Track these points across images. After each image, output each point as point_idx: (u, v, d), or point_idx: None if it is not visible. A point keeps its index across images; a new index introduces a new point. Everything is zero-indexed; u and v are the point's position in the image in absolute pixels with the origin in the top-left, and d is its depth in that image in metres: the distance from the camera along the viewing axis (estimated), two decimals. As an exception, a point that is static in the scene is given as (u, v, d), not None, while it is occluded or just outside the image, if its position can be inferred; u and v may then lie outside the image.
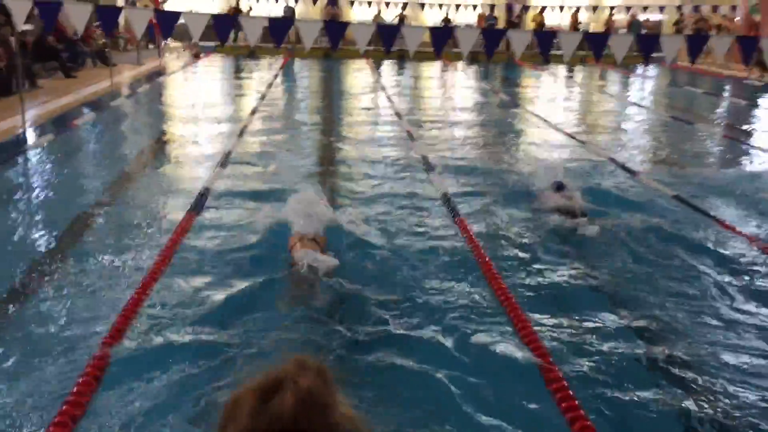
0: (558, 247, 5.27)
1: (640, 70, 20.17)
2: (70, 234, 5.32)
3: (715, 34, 19.58)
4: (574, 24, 24.08)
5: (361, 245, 5.00)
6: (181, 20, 7.93)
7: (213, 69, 18.46)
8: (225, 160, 7.47)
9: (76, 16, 7.41)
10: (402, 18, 23.92)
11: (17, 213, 5.84)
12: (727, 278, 4.74)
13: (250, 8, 23.07)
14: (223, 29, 7.27)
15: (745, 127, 11.07)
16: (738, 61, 15.13)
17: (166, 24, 7.66)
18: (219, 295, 4.18)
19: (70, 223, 5.56)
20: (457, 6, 24.65)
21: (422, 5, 24.45)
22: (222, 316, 3.94)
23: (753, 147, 9.34)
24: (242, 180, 6.85)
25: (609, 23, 23.95)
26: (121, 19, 10.59)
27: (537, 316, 4.06)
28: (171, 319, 3.88)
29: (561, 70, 19.54)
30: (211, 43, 18.81)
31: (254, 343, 3.64)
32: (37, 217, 5.77)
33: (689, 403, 3.27)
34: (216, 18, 7.34)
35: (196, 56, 19.94)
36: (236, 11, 22.57)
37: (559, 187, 6.09)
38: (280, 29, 7.48)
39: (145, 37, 18.74)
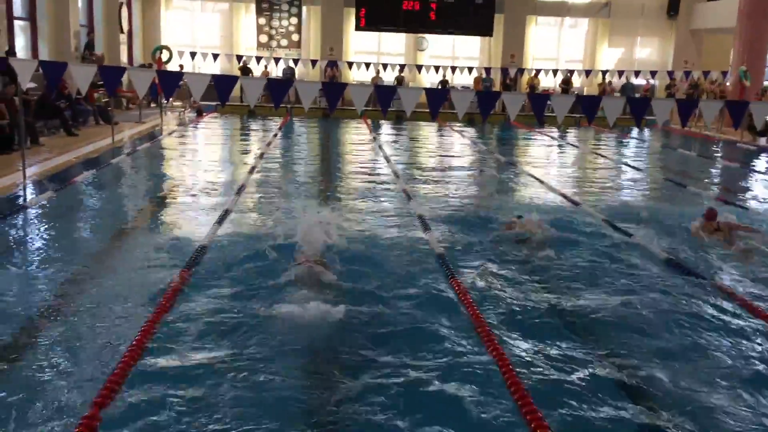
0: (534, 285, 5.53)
1: (634, 132, 20.51)
2: (65, 291, 5.33)
3: (705, 99, 19.98)
4: (566, 88, 24.59)
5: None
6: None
7: (213, 128, 18.74)
8: (222, 219, 7.53)
9: (80, 77, 7.59)
10: (400, 80, 24.42)
11: (16, 268, 5.87)
12: (734, 355, 4.74)
13: (252, 73, 23.51)
14: (223, 90, 7.43)
15: (736, 189, 11.22)
16: (729, 125, 15.40)
17: (168, 84, 7.84)
18: (213, 355, 4.18)
19: (66, 279, 5.58)
20: (453, 69, 25.20)
21: (419, 68, 25.00)
22: (216, 377, 3.93)
23: (745, 209, 9.43)
24: (239, 238, 6.89)
25: (603, 87, 24.45)
26: (124, 79, 10.82)
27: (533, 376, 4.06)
28: (164, 378, 3.87)
29: (555, 131, 19.90)
30: (212, 103, 19.15)
31: (249, 404, 3.62)
32: (35, 273, 5.78)
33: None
34: (217, 79, 7.50)
35: (199, 113, 20.27)
36: (244, 71, 23.07)
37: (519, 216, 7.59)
38: (279, 90, 7.65)
39: (147, 96, 19.10)
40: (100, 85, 15.18)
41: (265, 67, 23.80)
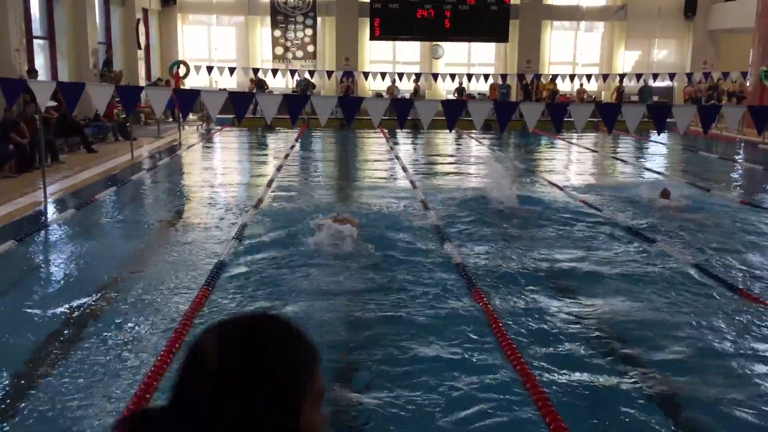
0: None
1: (654, 135, 20.30)
2: (87, 309, 5.35)
3: (726, 103, 19.75)
4: (581, 96, 24.37)
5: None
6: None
7: (231, 141, 18.83)
8: (240, 234, 7.53)
9: (98, 97, 7.65)
10: (416, 89, 24.37)
11: (37, 286, 5.91)
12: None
13: (267, 86, 23.58)
14: (240, 107, 7.45)
15: (761, 192, 11.04)
16: (751, 127, 15.18)
17: (185, 102, 7.89)
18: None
19: (88, 297, 5.60)
20: (470, 76, 25.14)
21: (435, 76, 24.96)
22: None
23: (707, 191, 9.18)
24: (257, 252, 6.88)
25: (617, 91, 24.27)
26: (143, 95, 10.91)
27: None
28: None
29: (575, 137, 19.75)
30: (229, 116, 19.24)
31: None
32: (56, 291, 5.82)
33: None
34: (233, 96, 7.52)
35: (208, 131, 20.34)
36: (259, 84, 23.18)
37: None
38: (295, 105, 7.66)
39: (165, 111, 19.24)
40: (119, 101, 15.32)
41: (292, 78, 23.81)
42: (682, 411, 4.02)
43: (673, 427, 3.81)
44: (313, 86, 24.21)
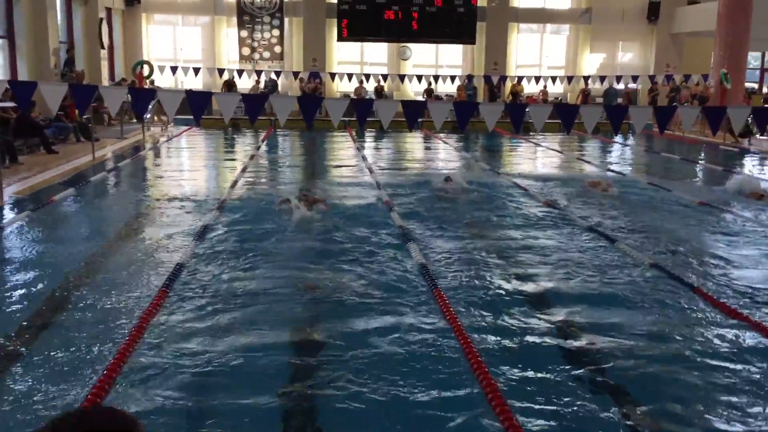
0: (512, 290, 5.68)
1: (618, 137, 20.60)
2: (42, 310, 5.26)
3: (687, 104, 20.14)
4: (545, 97, 24.69)
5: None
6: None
7: (196, 142, 18.65)
8: (202, 235, 7.46)
9: (51, 97, 7.51)
10: (380, 90, 24.41)
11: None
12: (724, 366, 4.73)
13: (236, 87, 23.37)
14: (198, 107, 7.37)
15: (719, 191, 11.24)
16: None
17: (141, 102, 7.79)
18: (188, 382, 4.11)
19: (45, 299, 5.51)
20: (437, 77, 25.25)
21: (402, 77, 25.02)
22: (191, 404, 3.86)
23: (727, 212, 9.46)
24: (218, 254, 6.82)
25: (583, 94, 24.62)
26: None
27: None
28: (138, 402, 3.80)
29: (538, 137, 19.98)
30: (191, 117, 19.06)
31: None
32: (12, 293, 5.70)
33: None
34: (190, 95, 7.44)
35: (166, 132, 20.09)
36: (229, 85, 22.99)
37: (447, 179, 10.64)
38: (254, 105, 7.61)
39: (129, 112, 19.00)
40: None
41: (257, 81, 23.74)
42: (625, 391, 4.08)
43: (621, 415, 3.86)
44: (276, 87, 24.12)
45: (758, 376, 4.33)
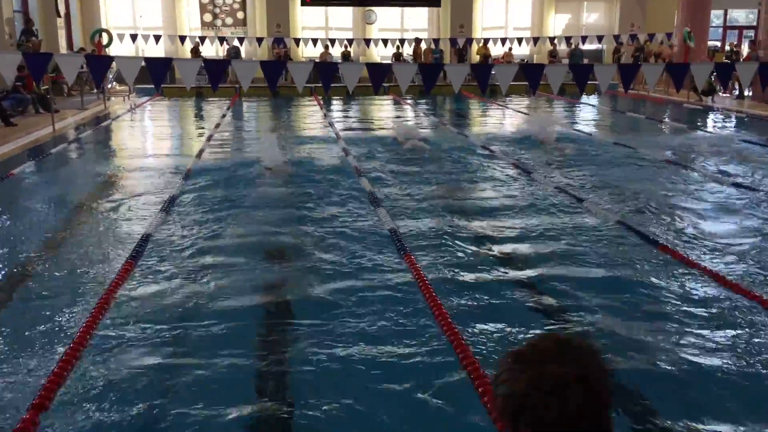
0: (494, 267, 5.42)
1: (584, 98, 20.69)
2: (3, 285, 5.16)
3: (651, 63, 20.25)
4: (509, 59, 24.62)
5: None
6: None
7: (159, 111, 18.29)
8: (168, 206, 7.36)
9: (4, 67, 7.27)
10: (347, 55, 24.13)
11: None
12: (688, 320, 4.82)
13: (198, 53, 22.87)
14: (158, 73, 7.19)
15: (682, 149, 11.40)
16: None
17: (98, 70, 7.57)
18: (159, 352, 4.07)
19: (6, 274, 5.40)
20: (402, 41, 25.01)
21: (368, 42, 24.74)
22: (162, 375, 3.83)
23: (690, 169, 9.61)
24: (185, 225, 6.75)
25: (550, 55, 24.62)
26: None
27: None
28: (106, 376, 3.76)
29: (506, 100, 19.99)
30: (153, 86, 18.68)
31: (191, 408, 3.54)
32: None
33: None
34: (149, 62, 7.26)
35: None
36: (195, 53, 22.50)
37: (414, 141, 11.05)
38: (216, 72, 7.45)
39: (89, 82, 18.54)
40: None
41: (226, 50, 23.24)
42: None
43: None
44: (239, 54, 23.68)
45: (707, 321, 4.45)
